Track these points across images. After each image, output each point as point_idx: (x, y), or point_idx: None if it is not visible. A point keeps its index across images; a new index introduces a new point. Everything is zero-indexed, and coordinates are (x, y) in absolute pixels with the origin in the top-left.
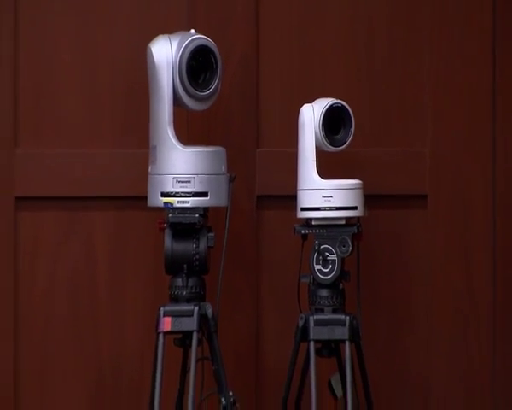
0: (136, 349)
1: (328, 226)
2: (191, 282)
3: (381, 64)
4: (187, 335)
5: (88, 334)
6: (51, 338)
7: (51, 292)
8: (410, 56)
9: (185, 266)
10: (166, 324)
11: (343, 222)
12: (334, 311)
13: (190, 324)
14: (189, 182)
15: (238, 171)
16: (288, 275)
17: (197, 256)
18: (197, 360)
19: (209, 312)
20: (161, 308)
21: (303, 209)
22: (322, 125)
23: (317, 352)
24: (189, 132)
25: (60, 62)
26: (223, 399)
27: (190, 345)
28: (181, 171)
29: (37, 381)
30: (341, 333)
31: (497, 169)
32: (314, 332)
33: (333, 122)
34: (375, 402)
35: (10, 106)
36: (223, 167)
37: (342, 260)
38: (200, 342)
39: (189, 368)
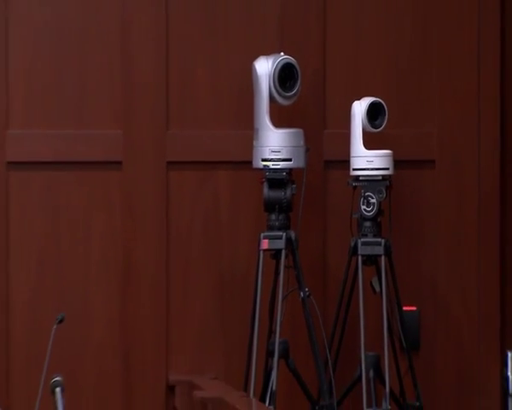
0: (246, 263)
1: (370, 181)
2: (281, 217)
3: (403, 68)
4: (278, 251)
5: (214, 252)
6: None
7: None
8: (422, 63)
9: (277, 206)
10: (264, 244)
11: (380, 178)
12: (374, 235)
13: (280, 244)
14: (279, 151)
15: (312, 144)
16: (345, 212)
17: (284, 200)
18: (284, 268)
19: (292, 236)
20: (261, 234)
21: (354, 169)
22: (367, 115)
23: (364, 262)
24: (280, 119)
25: (197, 75)
26: (301, 293)
27: (280, 258)
28: (274, 144)
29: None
30: (378, 250)
31: (482, 141)
32: (361, 249)
33: (374, 113)
34: (401, 293)
35: None
36: (301, 142)
37: (379, 203)
38: (286, 256)
39: (279, 273)
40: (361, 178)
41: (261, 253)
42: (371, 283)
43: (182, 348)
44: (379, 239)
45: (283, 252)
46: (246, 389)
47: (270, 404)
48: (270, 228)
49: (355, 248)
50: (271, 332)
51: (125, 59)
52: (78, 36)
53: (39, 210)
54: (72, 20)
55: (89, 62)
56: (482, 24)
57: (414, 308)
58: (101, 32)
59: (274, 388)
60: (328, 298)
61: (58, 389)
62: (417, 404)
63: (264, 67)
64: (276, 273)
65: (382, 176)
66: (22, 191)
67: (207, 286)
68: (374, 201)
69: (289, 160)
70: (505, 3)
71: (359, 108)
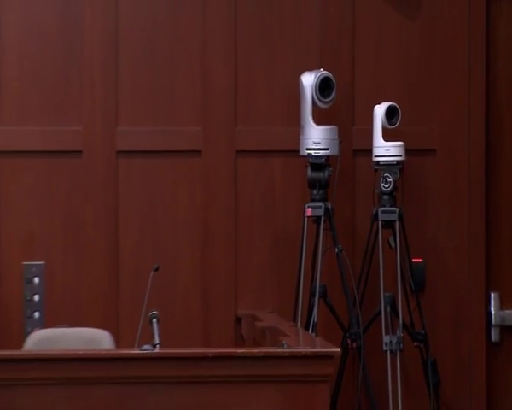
0: (294, 226)
1: (388, 165)
2: (320, 191)
3: (412, 79)
4: (318, 217)
5: (271, 218)
6: None
7: None
8: (427, 76)
9: (317, 184)
10: (308, 212)
11: (395, 163)
12: (391, 206)
13: (320, 212)
14: (319, 143)
15: (344, 137)
16: (368, 188)
17: (323, 179)
18: (323, 230)
19: (329, 206)
20: (306, 205)
21: (375, 156)
22: (385, 115)
23: (382, 226)
24: (320, 118)
25: (258, 84)
26: (336, 249)
27: (320, 222)
28: (315, 137)
29: None
30: (393, 216)
31: (471, 135)
32: (381, 216)
33: (390, 114)
34: (410, 249)
35: None
36: (336, 136)
37: (394, 181)
38: (324, 221)
39: (319, 234)
40: (380, 162)
41: (306, 219)
42: (388, 241)
43: (246, 290)
44: (394, 208)
45: (322, 218)
46: (294, 320)
47: (312, 332)
48: (312, 200)
49: (376, 215)
50: (313, 278)
51: (204, 71)
52: (169, 52)
53: (141, 187)
54: (166, 41)
55: (177, 74)
56: (472, 48)
57: (420, 260)
58: (186, 51)
59: (315, 320)
60: (355, 253)
61: (154, 320)
62: (423, 332)
63: (308, 80)
64: (317, 234)
65: (397, 161)
66: (128, 173)
67: (265, 244)
68: (390, 180)
69: (327, 149)
70: (489, 31)
71: (379, 110)
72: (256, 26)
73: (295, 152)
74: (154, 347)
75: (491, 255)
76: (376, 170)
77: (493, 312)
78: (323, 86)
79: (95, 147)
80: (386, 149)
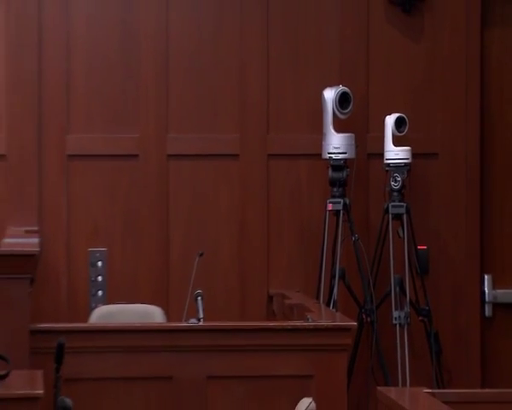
0: (318, 218)
1: (397, 166)
2: (340, 189)
3: (418, 95)
4: (338, 211)
5: (298, 212)
6: None
7: None
8: (430, 91)
9: (337, 182)
10: (329, 206)
11: (403, 164)
12: (399, 201)
13: (339, 206)
14: (339, 148)
15: (360, 143)
16: (380, 186)
17: (342, 178)
18: (342, 222)
19: (347, 201)
20: (327, 200)
21: (386, 159)
22: (395, 125)
23: (392, 218)
24: (339, 127)
25: (287, 98)
26: (353, 238)
27: (339, 215)
28: (335, 143)
29: None
30: (402, 210)
31: (468, 142)
32: (391, 210)
33: (399, 124)
34: (416, 237)
35: None
36: (353, 141)
37: (403, 180)
38: (343, 214)
39: (339, 225)
40: (391, 164)
41: (327, 212)
42: (397, 231)
43: (277, 273)
44: (402, 203)
45: (341, 212)
46: (317, 298)
47: (332, 308)
48: (333, 196)
49: (387, 209)
50: (334, 263)
51: (241, 86)
52: (211, 70)
53: (187, 185)
54: (209, 60)
55: (218, 89)
56: (468, 67)
57: (424, 247)
58: (226, 69)
59: (335, 298)
60: (369, 241)
61: (199, 298)
62: (427, 308)
63: (329, 94)
64: (337, 225)
65: (404, 163)
66: (177, 174)
67: (293, 233)
68: (399, 179)
69: (345, 153)
70: (483, 52)
71: (390, 120)
72: (285, 48)
73: (318, 156)
74: (199, 320)
75: (485, 243)
76: (387, 171)
77: (487, 291)
78: (342, 100)
79: (149, 151)
80: (395, 153)
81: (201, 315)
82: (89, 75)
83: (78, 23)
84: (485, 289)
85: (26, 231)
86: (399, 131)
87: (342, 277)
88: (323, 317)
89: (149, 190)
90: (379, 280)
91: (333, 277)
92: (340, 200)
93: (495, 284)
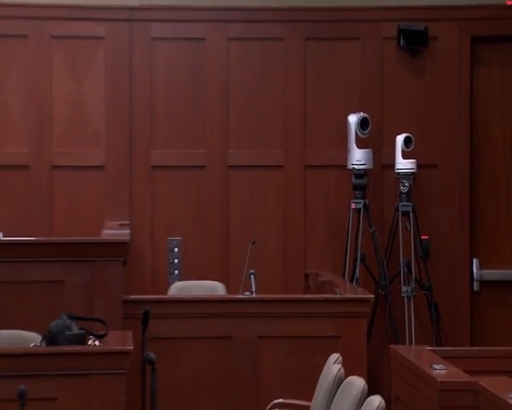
0: (343, 215)
1: (405, 175)
2: (361, 192)
3: (422, 119)
4: (359, 209)
5: (327, 210)
6: None
7: None
8: (431, 117)
9: (359, 187)
10: (353, 205)
11: (410, 173)
12: (407, 201)
13: (360, 205)
14: (360, 160)
15: (376, 156)
16: (392, 190)
17: (362, 184)
18: (362, 217)
19: (367, 202)
20: (351, 201)
21: (397, 169)
22: (403, 142)
23: (401, 215)
24: (360, 144)
25: (319, 120)
26: (371, 230)
27: (360, 213)
28: (357, 157)
29: None
30: (409, 208)
31: (460, 156)
32: (401, 208)
33: (407, 141)
34: (420, 229)
35: None
36: (371, 155)
37: (410, 185)
38: (363, 211)
39: (360, 220)
40: (400, 173)
41: (351, 210)
42: (405, 225)
43: (312, 257)
44: (409, 203)
45: (362, 210)
46: (343, 276)
47: (355, 284)
48: (355, 198)
49: (397, 207)
50: (356, 249)
51: (285, 112)
52: (262, 99)
53: (243, 189)
54: (261, 92)
55: (267, 113)
56: (461, 98)
57: (427, 237)
58: (273, 98)
59: (357, 276)
60: (384, 232)
61: (252, 276)
62: (428, 284)
63: (353, 119)
64: (358, 220)
65: (411, 172)
66: (236, 180)
67: (324, 226)
68: (407, 184)
69: (365, 164)
70: (472, 87)
71: (399, 138)
72: (318, 83)
73: (344, 166)
74: (252, 293)
75: (473, 234)
76: (397, 178)
77: (475, 271)
78: (362, 123)
79: (213, 163)
80: (404, 164)
81: (254, 289)
82: (167, 104)
83: (160, 63)
84: (474, 269)
85: (120, 225)
86: (407, 148)
87: (362, 260)
88: (348, 291)
89: (213, 193)
90: (391, 263)
91: (355, 260)
92: (361, 200)
93: (481, 266)
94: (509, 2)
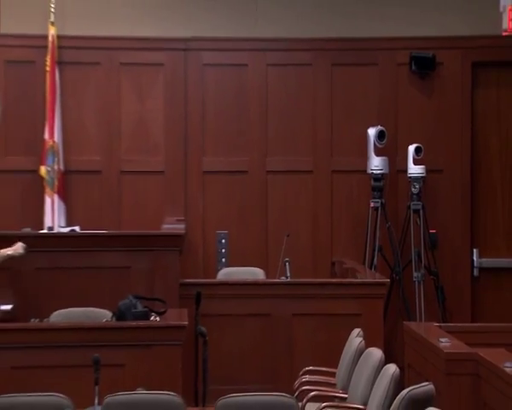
0: (364, 212)
1: (416, 178)
2: (378, 193)
3: (430, 131)
4: (377, 207)
5: (351, 208)
6: None
7: None
8: (437, 130)
9: (377, 189)
10: (372, 204)
11: (420, 177)
12: (418, 200)
13: (378, 204)
14: (378, 166)
15: (391, 163)
16: (405, 191)
17: (380, 186)
18: (380, 215)
19: (383, 201)
20: (371, 200)
21: (409, 173)
22: (414, 151)
23: (413, 212)
24: (378, 152)
25: (342, 132)
26: (387, 224)
27: (378, 210)
28: (376, 163)
29: None
30: (419, 206)
31: (462, 163)
32: (412, 206)
33: (417, 151)
34: (429, 224)
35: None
36: (387, 162)
37: (420, 187)
38: (381, 209)
39: (377, 217)
40: (412, 177)
41: (370, 208)
42: (416, 220)
43: (338, 247)
44: (420, 202)
45: (379, 208)
46: (364, 264)
47: (374, 270)
48: (374, 198)
49: (409, 206)
50: (374, 240)
51: (314, 124)
52: (294, 112)
53: (279, 191)
54: (292, 105)
55: (298, 125)
56: (463, 114)
57: (434, 231)
58: (303, 111)
59: (375, 263)
60: (398, 227)
61: (287, 263)
62: (435, 270)
63: (372, 131)
64: (376, 217)
65: (421, 176)
66: (273, 183)
67: (348, 222)
68: (417, 186)
69: (382, 170)
70: (473, 104)
71: (411, 148)
72: (342, 101)
73: (364, 171)
74: (287, 278)
75: (474, 228)
76: (409, 181)
77: (475, 259)
78: (380, 135)
79: (254, 169)
80: (415, 170)
81: (288, 274)
82: (216, 119)
83: (209, 85)
84: (474, 258)
85: (177, 220)
86: (417, 156)
87: (380, 250)
88: (368, 276)
89: (254, 194)
90: (404, 252)
91: (374, 250)
92: (378, 200)
93: (480, 255)
94: (504, 34)
